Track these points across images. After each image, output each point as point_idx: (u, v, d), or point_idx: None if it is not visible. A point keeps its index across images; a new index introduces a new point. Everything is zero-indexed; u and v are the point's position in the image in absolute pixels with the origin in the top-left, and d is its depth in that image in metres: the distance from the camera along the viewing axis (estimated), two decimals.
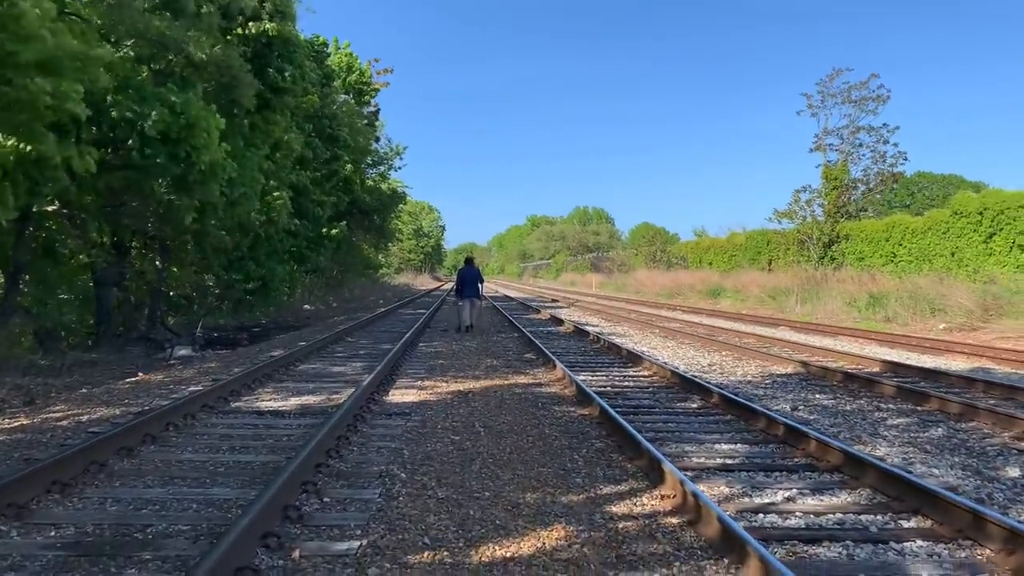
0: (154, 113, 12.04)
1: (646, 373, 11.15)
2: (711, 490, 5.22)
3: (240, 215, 17.84)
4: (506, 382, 9.91)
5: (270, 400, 8.22)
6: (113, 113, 12.05)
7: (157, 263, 20.70)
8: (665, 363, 12.11)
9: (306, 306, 34.44)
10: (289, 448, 5.99)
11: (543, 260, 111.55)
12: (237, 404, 7.91)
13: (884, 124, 36.26)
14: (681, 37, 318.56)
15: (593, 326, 20.88)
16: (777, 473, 5.74)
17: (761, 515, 4.77)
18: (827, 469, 5.84)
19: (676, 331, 18.64)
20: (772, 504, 4.98)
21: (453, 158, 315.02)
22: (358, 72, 36.52)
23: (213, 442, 6.23)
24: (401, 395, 8.71)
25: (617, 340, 15.98)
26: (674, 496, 4.89)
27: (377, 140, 42.09)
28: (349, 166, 33.20)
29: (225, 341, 18.72)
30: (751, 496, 5.15)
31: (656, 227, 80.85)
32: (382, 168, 46.97)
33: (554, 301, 38.26)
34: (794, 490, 5.30)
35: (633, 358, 12.57)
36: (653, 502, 4.90)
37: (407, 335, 15.44)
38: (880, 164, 36.44)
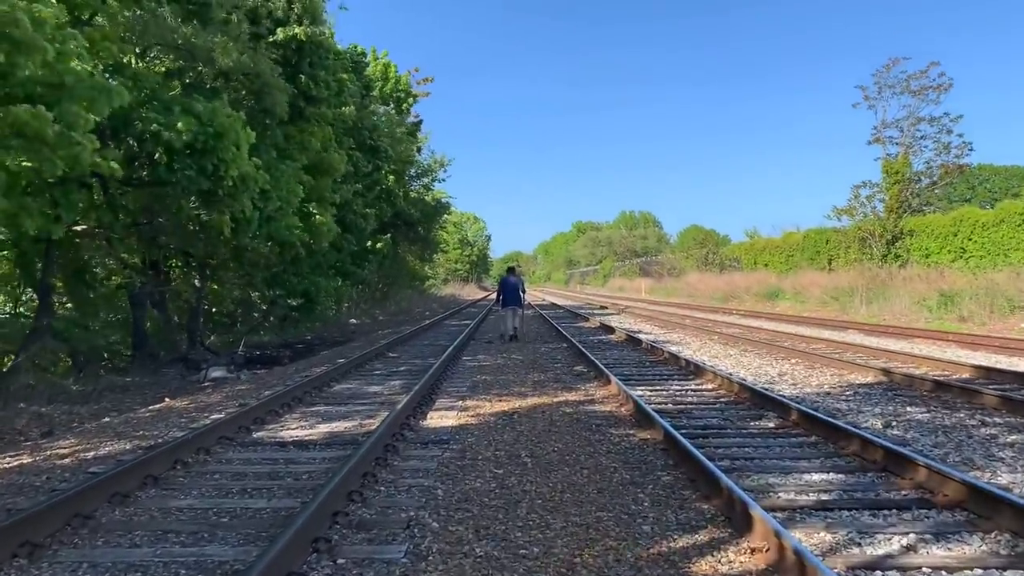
0: (180, 123, 11.46)
1: (710, 386, 10.15)
2: (810, 538, 4.27)
3: (278, 230, 17.30)
4: (555, 400, 9.03)
5: (296, 428, 7.46)
6: (138, 126, 11.51)
7: (196, 282, 20.32)
8: (729, 374, 11.11)
9: (352, 320, 33.97)
10: (308, 490, 5.19)
11: (589, 266, 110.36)
12: (260, 434, 7.16)
13: (946, 113, 34.53)
14: (725, 36, 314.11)
15: (646, 334, 19.86)
16: (886, 512, 4.74)
17: (879, 574, 3.81)
18: (946, 505, 4.82)
19: (736, 337, 17.53)
20: (890, 557, 4.00)
21: (497, 167, 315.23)
22: (395, 80, 36.03)
23: (223, 483, 5.46)
24: (439, 418, 7.88)
25: (673, 348, 14.97)
26: (767, 549, 3.95)
27: (419, 151, 41.61)
28: (391, 177, 32.69)
29: (265, 359, 18.19)
30: (861, 545, 4.19)
31: (705, 229, 79.34)
32: (426, 180, 46.49)
33: (603, 308, 37.21)
34: (912, 535, 4.31)
35: (693, 369, 11.58)
36: (741, 558, 3.97)
37: (450, 348, 14.67)
38: (944, 156, 34.70)
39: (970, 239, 30.27)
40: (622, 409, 8.36)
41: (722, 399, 9.15)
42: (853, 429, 6.56)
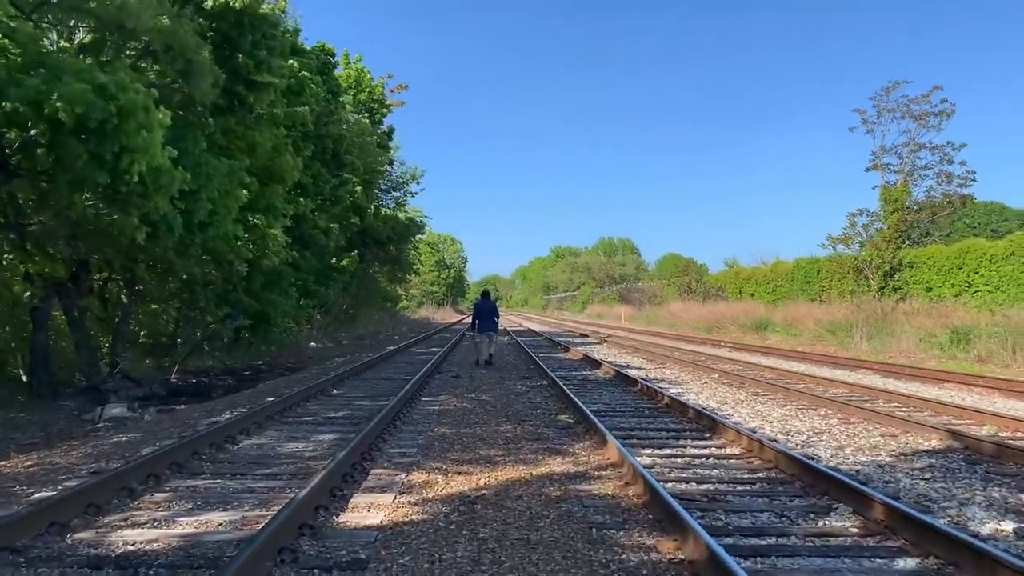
0: (69, 92, 8.93)
1: (735, 450, 7.78)
2: None
3: (213, 241, 14.80)
4: (535, 472, 6.59)
5: (146, 524, 4.95)
6: (12, 93, 8.95)
7: (122, 297, 17.71)
8: (752, 431, 8.77)
9: (312, 344, 31.27)
10: None
11: (568, 292, 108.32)
12: (82, 535, 4.66)
13: (948, 142, 32.81)
14: (710, 59, 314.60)
15: (636, 368, 17.52)
16: None
17: None
18: None
19: (739, 376, 15.22)
20: None
21: (474, 189, 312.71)
22: (369, 89, 33.67)
23: None
24: (366, 507, 5.41)
25: (673, 391, 12.64)
26: None
27: (391, 163, 39.21)
28: (359, 188, 30.22)
29: (192, 391, 15.61)
30: None
31: (684, 258, 77.47)
32: (398, 194, 44.04)
33: (583, 336, 34.85)
34: None
35: (706, 422, 9.22)
36: None
37: (409, 384, 12.23)
38: (945, 185, 32.93)
39: (976, 272, 28.36)
40: (629, 492, 5.95)
41: (758, 473, 6.78)
42: (989, 550, 4.22)
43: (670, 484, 6.21)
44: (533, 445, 7.86)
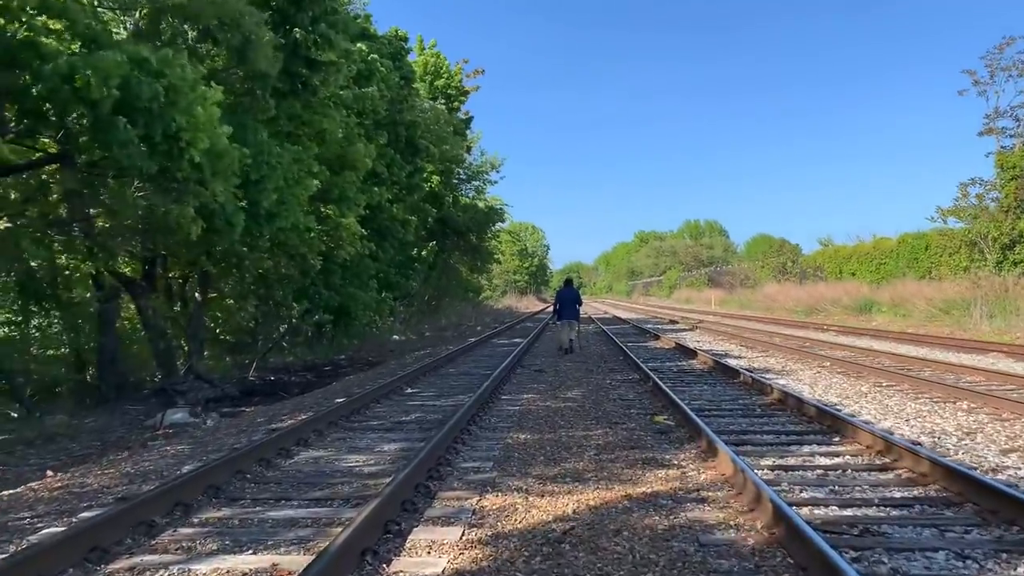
0: (98, 64, 8.18)
1: (876, 459, 6.41)
2: None
3: (283, 233, 14.13)
4: (634, 493, 5.43)
5: (178, 555, 4.06)
6: (44, 71, 8.25)
7: (197, 295, 17.32)
8: (889, 432, 7.39)
9: (395, 336, 30.73)
10: None
11: (653, 277, 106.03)
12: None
13: None
14: (796, 29, 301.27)
15: (735, 357, 16.08)
16: None
17: None
18: None
19: (853, 364, 13.63)
20: None
21: (555, 177, 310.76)
22: (447, 75, 32.80)
23: None
24: (427, 547, 4.37)
25: (781, 382, 11.28)
26: None
27: (469, 151, 38.34)
28: (436, 177, 29.43)
29: (268, 389, 15.02)
30: None
31: (775, 238, 74.26)
32: (477, 182, 43.16)
33: (673, 322, 33.24)
34: None
35: (830, 421, 7.86)
36: None
37: (490, 380, 11.22)
38: None
39: None
40: (756, 522, 4.73)
41: (913, 490, 5.45)
42: None
43: (805, 510, 4.97)
44: (629, 455, 6.69)
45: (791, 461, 6.45)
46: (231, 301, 19.90)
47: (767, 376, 12.18)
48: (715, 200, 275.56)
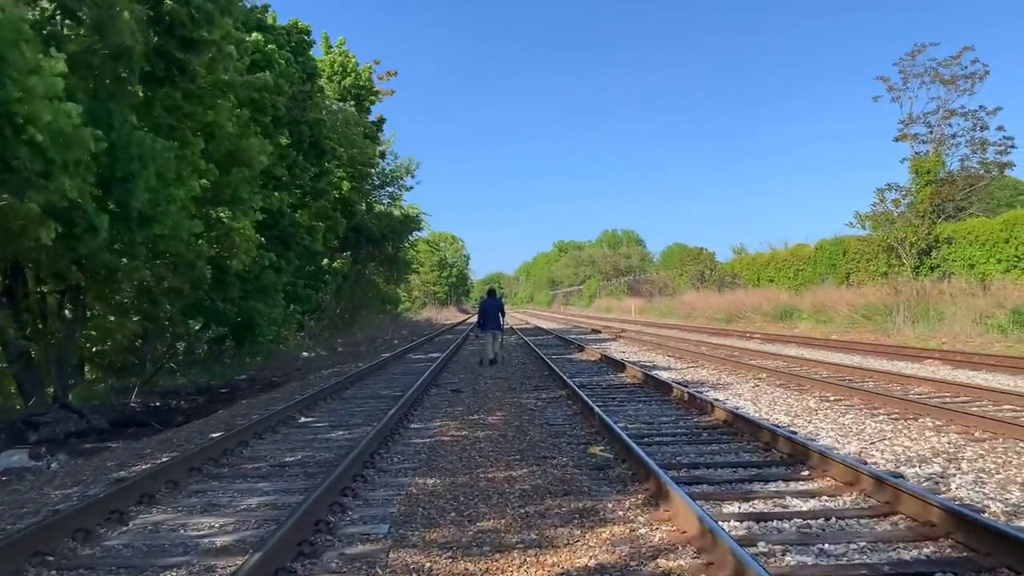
0: None
1: (862, 501, 5.27)
2: None
3: (162, 240, 12.40)
4: (571, 567, 4.11)
5: None
6: None
7: (67, 312, 15.24)
8: (862, 463, 6.28)
9: (304, 353, 28.75)
10: None
11: (573, 286, 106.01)
12: None
13: (981, 106, 30.28)
14: (711, 42, 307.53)
15: (665, 369, 15.06)
16: None
17: None
18: None
19: (791, 375, 12.74)
20: None
21: (473, 186, 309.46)
22: (354, 74, 31.11)
23: None
24: None
25: (720, 398, 10.22)
26: None
27: (383, 156, 36.66)
28: (346, 183, 27.72)
29: (144, 419, 13.14)
30: None
31: (691, 247, 74.76)
32: (392, 189, 41.47)
33: (596, 332, 32.31)
34: None
35: (790, 449, 6.73)
36: None
37: (398, 405, 9.76)
38: (981, 153, 30.40)
39: None
40: None
41: (924, 548, 4.31)
42: None
43: None
44: (562, 504, 5.37)
45: (760, 507, 5.26)
46: (112, 318, 17.78)
47: (703, 391, 11.11)
48: (632, 211, 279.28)
